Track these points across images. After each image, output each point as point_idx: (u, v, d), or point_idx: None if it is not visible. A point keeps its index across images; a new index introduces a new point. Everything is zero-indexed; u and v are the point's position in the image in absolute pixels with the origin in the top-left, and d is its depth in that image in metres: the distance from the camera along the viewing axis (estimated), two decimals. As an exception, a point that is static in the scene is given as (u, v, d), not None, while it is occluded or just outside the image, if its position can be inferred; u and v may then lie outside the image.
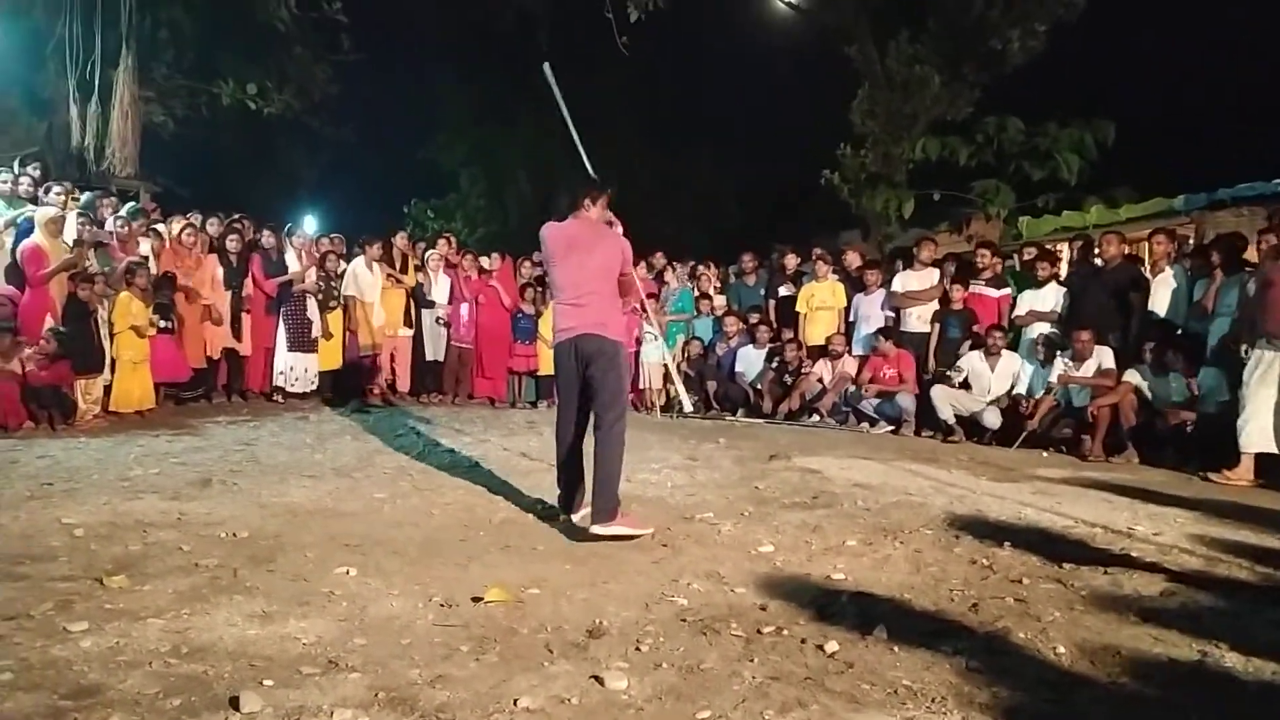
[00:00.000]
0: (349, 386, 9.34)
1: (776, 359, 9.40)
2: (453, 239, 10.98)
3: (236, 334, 8.87)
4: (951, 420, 7.87)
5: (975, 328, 8.38)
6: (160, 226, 9.05)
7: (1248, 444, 6.03)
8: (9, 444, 6.18)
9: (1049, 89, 12.91)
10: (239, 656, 2.58)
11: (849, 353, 9.03)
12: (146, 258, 8.28)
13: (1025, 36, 12.18)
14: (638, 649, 2.73)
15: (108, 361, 7.54)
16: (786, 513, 4.72)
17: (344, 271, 9.45)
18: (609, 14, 11.70)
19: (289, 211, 16.41)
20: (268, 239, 9.21)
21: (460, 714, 2.27)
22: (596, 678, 2.49)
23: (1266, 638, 2.88)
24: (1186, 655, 2.76)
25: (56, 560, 3.47)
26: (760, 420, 9.00)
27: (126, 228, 8.39)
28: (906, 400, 8.27)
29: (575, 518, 4.32)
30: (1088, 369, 7.29)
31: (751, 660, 2.67)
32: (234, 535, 3.93)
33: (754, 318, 9.90)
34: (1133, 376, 7.05)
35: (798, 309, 9.59)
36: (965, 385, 7.98)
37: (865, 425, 8.52)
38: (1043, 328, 8.03)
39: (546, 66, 5.10)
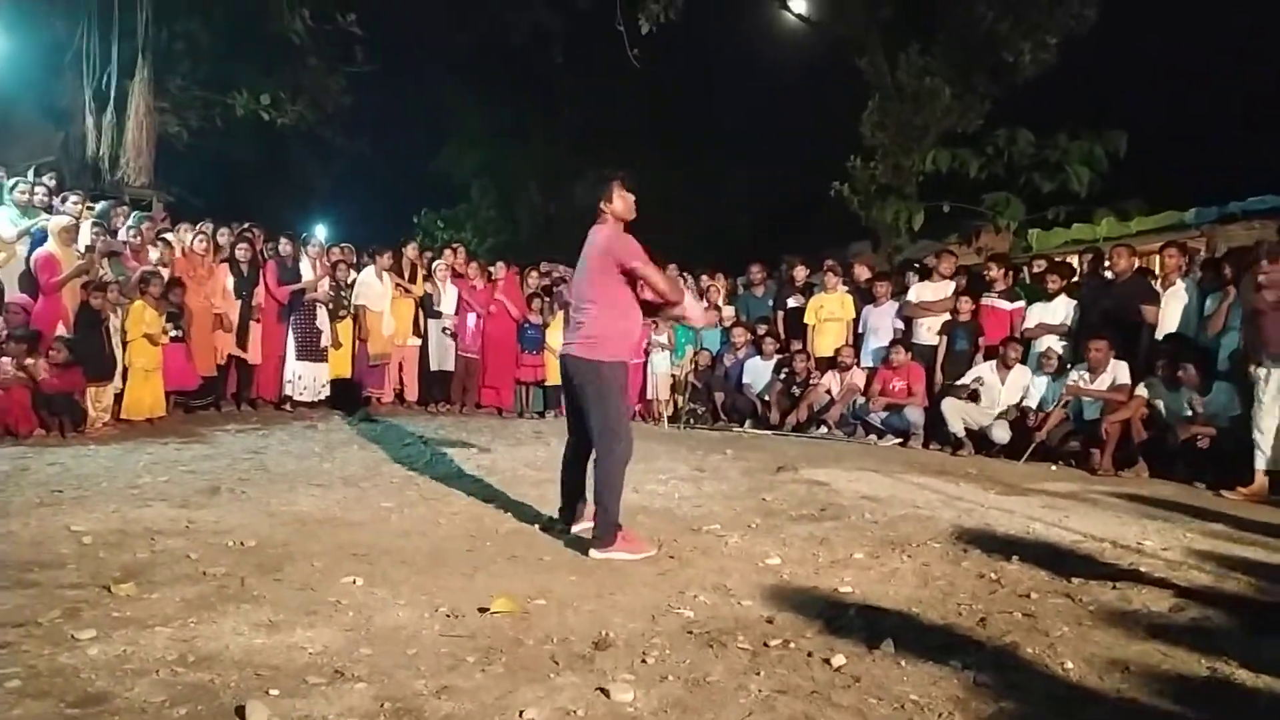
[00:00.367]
0: (354, 396, 9.38)
1: (784, 370, 9.39)
2: (460, 249, 11.02)
3: (243, 343, 8.90)
4: (961, 433, 7.84)
5: (982, 340, 8.35)
6: (170, 235, 9.12)
7: (1263, 461, 6.00)
8: (19, 451, 6.22)
9: (1059, 101, 12.91)
10: (245, 665, 2.58)
11: (857, 364, 9.01)
12: (159, 267, 8.34)
13: (1036, 49, 12.19)
14: (644, 661, 2.73)
15: (119, 369, 7.59)
16: (794, 525, 4.71)
17: (354, 281, 9.50)
18: (620, 26, 11.77)
19: (301, 221, 16.57)
20: (284, 247, 9.27)
21: (465, 725, 2.27)
22: (602, 690, 2.48)
23: (1276, 655, 2.86)
24: (1195, 671, 2.74)
25: (65, 567, 3.49)
26: (768, 431, 8.99)
27: (139, 237, 8.46)
28: (914, 413, 8.24)
29: (574, 529, 4.31)
30: (1102, 382, 7.25)
31: (758, 673, 2.66)
32: (242, 544, 3.94)
33: (761, 329, 9.89)
34: (1143, 390, 7.01)
35: (806, 320, 9.59)
36: (974, 397, 7.94)
37: (873, 437, 8.50)
38: (1052, 341, 8.00)
39: None
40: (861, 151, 13.36)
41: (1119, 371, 7.20)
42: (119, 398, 7.63)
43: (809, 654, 2.82)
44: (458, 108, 21.38)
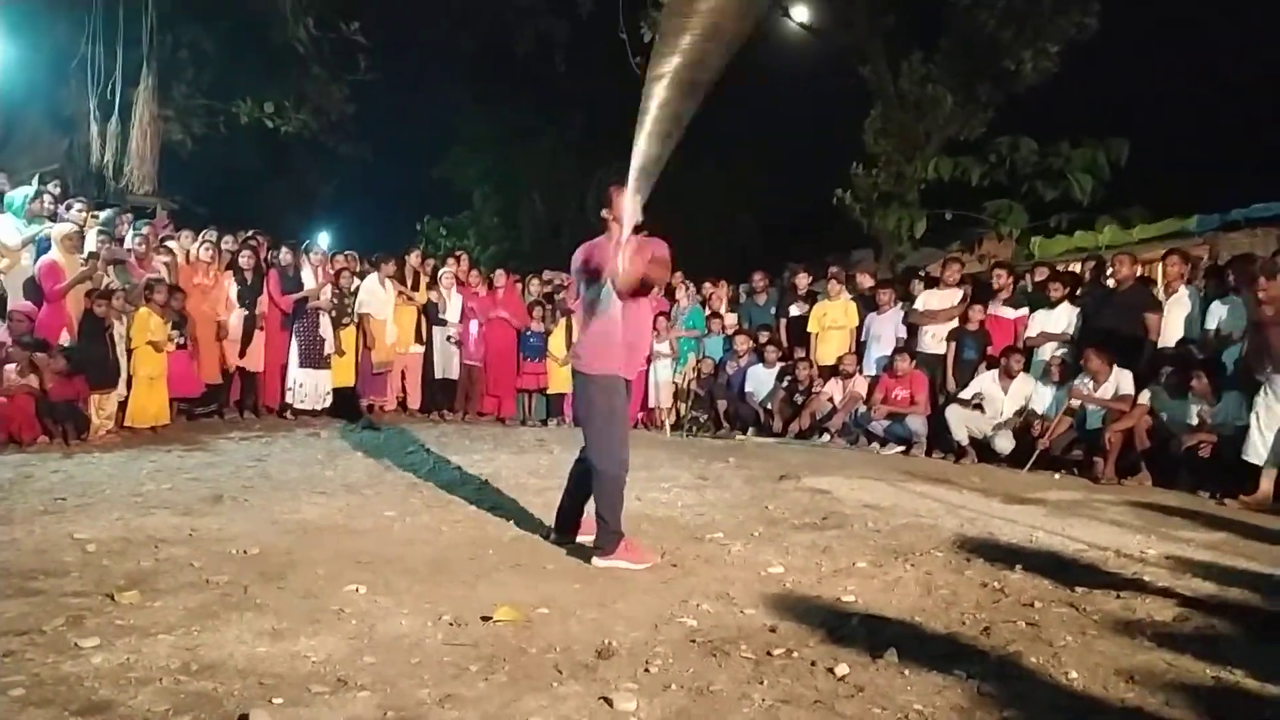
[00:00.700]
0: (357, 403, 9.39)
1: (787, 378, 9.39)
2: (464, 256, 11.05)
3: (246, 351, 8.91)
4: (965, 442, 7.82)
5: (990, 349, 8.34)
6: (172, 243, 9.15)
7: (1252, 456, 6.01)
8: (23, 458, 6.23)
9: (1062, 109, 12.92)
10: (249, 674, 2.58)
11: (860, 372, 9.00)
12: (163, 275, 8.37)
13: (1038, 56, 12.18)
14: (647, 670, 2.73)
15: (123, 377, 7.61)
16: (797, 533, 4.70)
17: (357, 288, 9.52)
18: (623, 34, 11.81)
19: (304, 228, 16.59)
20: (285, 256, 9.29)
21: (468, 734, 2.27)
22: (606, 699, 2.48)
23: (1282, 664, 2.85)
24: (1200, 680, 2.74)
25: (69, 575, 3.49)
26: (770, 440, 8.98)
27: (144, 245, 8.49)
28: (917, 422, 8.23)
29: (578, 538, 4.30)
30: (1105, 391, 7.23)
31: (761, 682, 2.65)
32: (245, 552, 3.95)
33: (764, 337, 9.89)
34: (1146, 399, 7.01)
35: (810, 328, 9.58)
36: (978, 406, 7.94)
37: (875, 445, 8.49)
38: (1056, 348, 7.98)
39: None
40: (864, 159, 13.37)
41: (1122, 380, 7.19)
42: (123, 405, 7.64)
43: (812, 663, 2.81)
44: (460, 115, 21.44)
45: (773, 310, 10.37)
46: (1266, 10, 12.63)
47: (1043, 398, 7.71)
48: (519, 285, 10.67)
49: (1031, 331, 8.26)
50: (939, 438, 8.17)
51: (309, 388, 9.12)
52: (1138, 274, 8.04)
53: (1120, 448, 6.92)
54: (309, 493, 5.37)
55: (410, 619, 3.12)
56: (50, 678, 2.50)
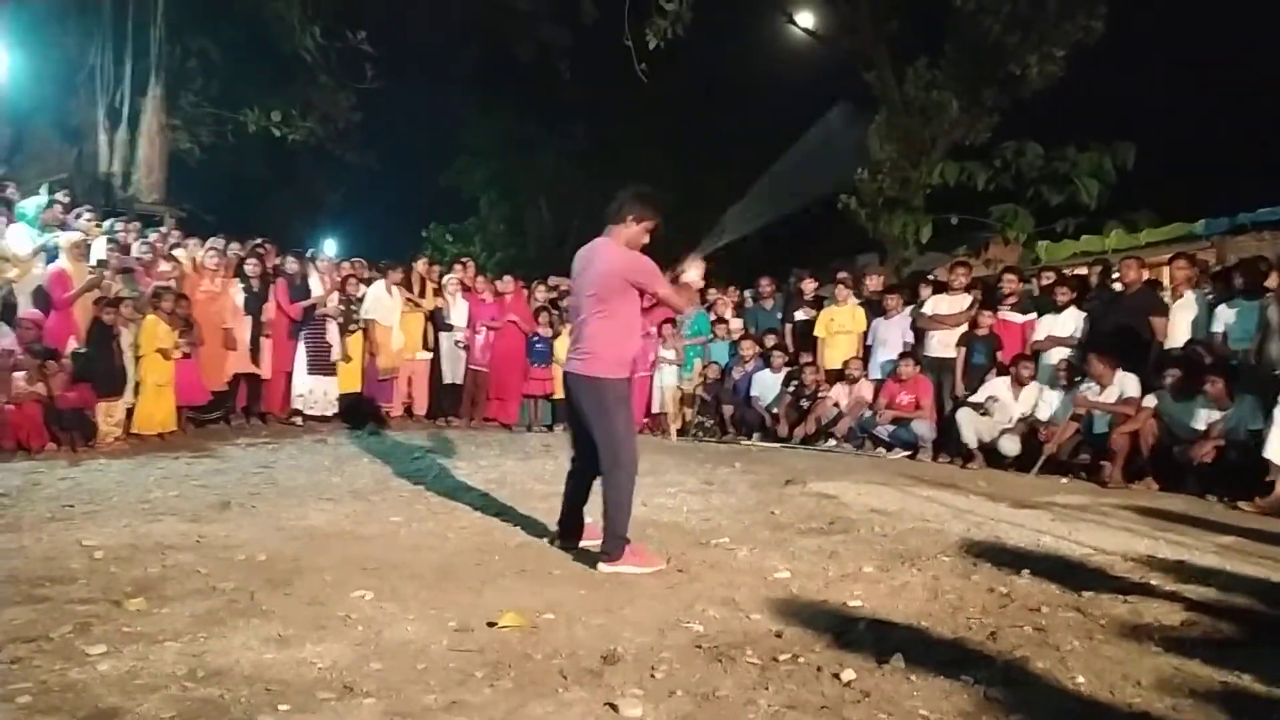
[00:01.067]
0: (364, 409, 9.41)
1: (793, 383, 9.38)
2: (470, 263, 11.08)
3: (255, 359, 8.95)
4: (975, 445, 7.80)
5: (999, 354, 8.32)
6: (180, 251, 9.20)
7: (1274, 455, 5.96)
8: (31, 465, 6.26)
9: (1067, 113, 12.90)
10: (255, 680, 2.59)
11: (866, 377, 8.99)
12: (170, 283, 8.41)
13: (1043, 61, 12.17)
14: (652, 676, 2.72)
15: (130, 384, 7.64)
16: (803, 538, 4.70)
17: (364, 295, 9.56)
18: (628, 42, 11.83)
19: (311, 236, 16.71)
20: (292, 265, 9.33)
21: (474, 740, 2.27)
22: (611, 705, 2.48)
23: (1291, 669, 2.84)
24: (1208, 685, 2.72)
25: (76, 582, 3.50)
26: (776, 445, 8.97)
27: (152, 253, 8.53)
28: (922, 426, 8.22)
29: (583, 543, 4.30)
30: (1110, 395, 7.22)
31: (767, 688, 2.65)
32: (252, 558, 3.96)
33: (770, 341, 9.89)
34: (1152, 402, 6.98)
35: (817, 333, 9.58)
36: (989, 411, 7.91)
37: (881, 450, 8.47)
38: (1063, 353, 7.97)
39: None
40: (869, 164, 13.36)
41: (1126, 384, 7.16)
42: (130, 413, 7.68)
43: (818, 668, 2.81)
44: (466, 123, 21.53)
45: (778, 315, 10.37)
46: (1272, 14, 12.60)
47: (1050, 402, 7.69)
48: (525, 291, 10.69)
49: (1039, 336, 8.23)
50: (945, 442, 8.15)
51: (317, 394, 9.16)
52: (1144, 278, 8.01)
53: (1128, 452, 6.89)
54: (316, 499, 5.39)
55: (416, 625, 3.13)
56: (57, 684, 2.51)
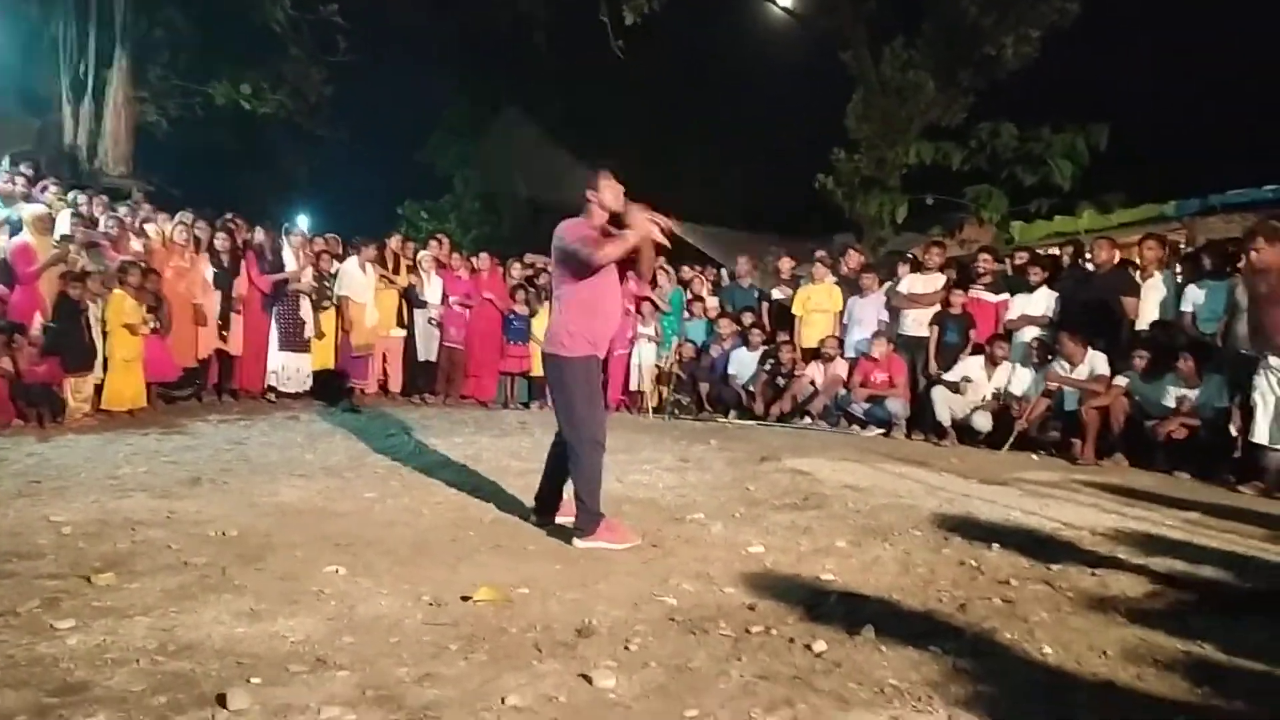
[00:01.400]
0: (337, 386, 9.33)
1: (770, 361, 9.41)
2: (445, 240, 10.98)
3: (224, 334, 8.83)
4: (948, 422, 7.89)
5: (973, 332, 8.39)
6: (149, 226, 9.04)
7: (1261, 439, 6.02)
8: (-2, 442, 6.16)
9: (1043, 94, 12.98)
10: (226, 654, 2.57)
11: (841, 355, 9.04)
12: (140, 256, 8.27)
13: (1019, 43, 12.24)
14: (626, 648, 2.74)
15: (99, 360, 7.52)
16: (777, 514, 4.73)
17: (337, 271, 9.45)
18: (604, 18, 11.74)
19: (283, 211, 16.42)
20: (263, 238, 9.19)
21: (448, 712, 2.27)
22: (585, 676, 2.49)
23: (1251, 638, 2.90)
24: (1172, 654, 2.78)
25: (44, 558, 3.46)
26: (752, 422, 9.01)
27: (119, 228, 8.38)
28: (896, 404, 8.29)
29: (558, 519, 4.31)
30: (1080, 373, 7.31)
31: (739, 659, 2.67)
32: (223, 534, 3.92)
33: (747, 319, 9.91)
34: (1123, 381, 7.08)
35: (794, 311, 9.60)
36: (961, 389, 7.99)
37: (856, 428, 8.54)
38: (1035, 331, 8.05)
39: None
40: (846, 144, 13.39)
41: (1096, 362, 7.27)
42: (99, 388, 7.56)
43: (790, 640, 2.83)
44: (442, 99, 21.29)
45: (755, 294, 10.38)
46: (1244, -1, 12.73)
47: (1022, 380, 7.78)
48: (500, 269, 10.62)
49: (1012, 315, 8.31)
50: (919, 419, 8.23)
51: (290, 371, 9.07)
52: (1116, 258, 8.10)
53: (1098, 428, 6.99)
54: (288, 475, 5.34)
55: (390, 600, 3.12)
56: (25, 659, 2.48)
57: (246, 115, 14.52)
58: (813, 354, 9.22)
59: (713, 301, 10.59)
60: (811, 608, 3.15)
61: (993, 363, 7.97)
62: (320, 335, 9.26)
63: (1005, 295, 8.53)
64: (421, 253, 10.24)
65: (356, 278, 9.41)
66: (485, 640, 2.76)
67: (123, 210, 9.16)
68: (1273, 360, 5.97)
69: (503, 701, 2.33)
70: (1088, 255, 8.44)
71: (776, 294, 10.13)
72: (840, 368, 8.94)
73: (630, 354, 9.95)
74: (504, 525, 4.39)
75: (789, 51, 16.32)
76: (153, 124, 13.75)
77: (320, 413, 8.54)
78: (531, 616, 3.00)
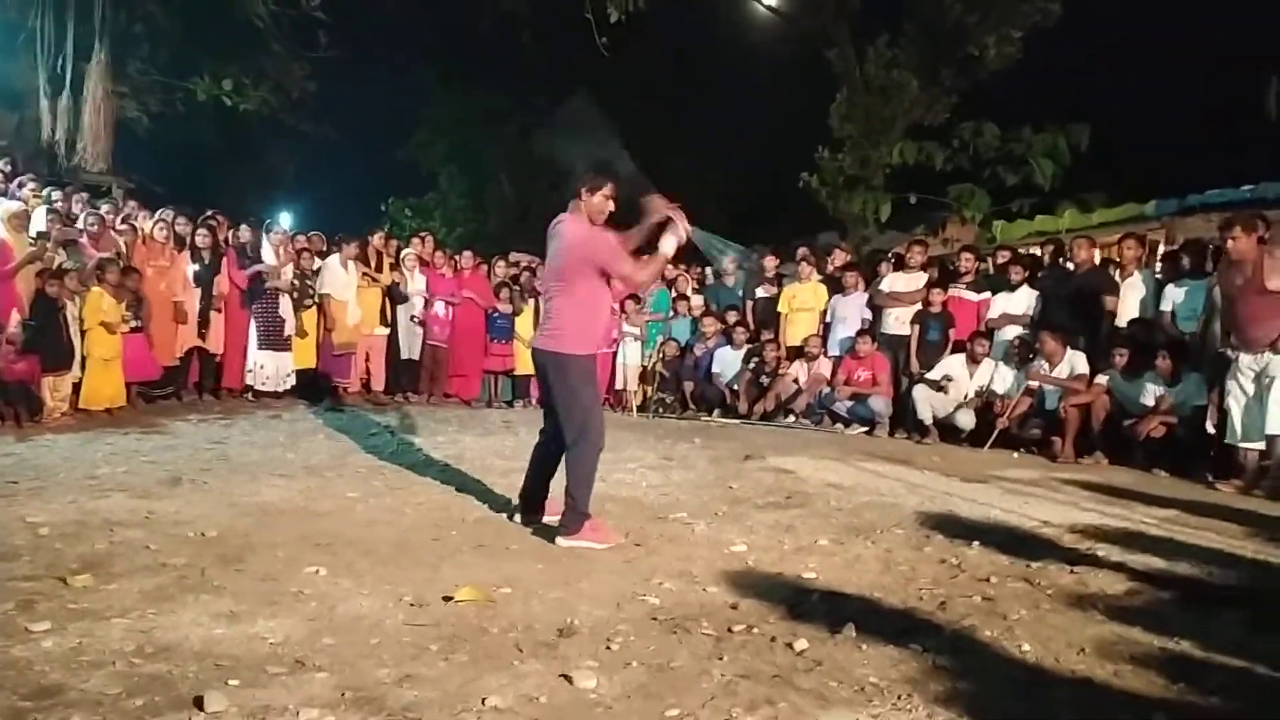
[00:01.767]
0: (320, 385, 9.28)
1: (754, 360, 9.43)
2: (429, 237, 10.93)
3: (204, 333, 8.75)
4: (930, 420, 7.93)
5: (952, 331, 8.44)
6: (133, 223, 8.94)
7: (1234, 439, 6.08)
8: (-26, 442, 6.08)
9: (1024, 94, 13.06)
10: (204, 656, 2.55)
11: (824, 354, 9.07)
12: (119, 254, 8.18)
13: (1001, 42, 12.30)
14: (608, 648, 2.74)
15: (77, 359, 7.44)
16: (760, 513, 4.74)
17: (319, 269, 9.39)
18: (589, 15, 11.71)
19: (265, 208, 16.31)
20: (244, 234, 9.12)
21: (428, 713, 2.26)
22: (566, 676, 2.49)
23: (1227, 635, 2.94)
24: (1150, 651, 2.80)
25: (20, 559, 3.42)
26: (736, 421, 9.03)
27: (98, 225, 8.29)
28: (879, 403, 8.32)
29: (544, 518, 4.30)
30: (1060, 372, 7.37)
31: (721, 658, 2.68)
32: (203, 534, 3.89)
33: (732, 318, 9.92)
34: (1103, 379, 7.13)
35: (779, 309, 9.61)
36: (944, 387, 8.02)
37: (839, 426, 8.57)
38: (1016, 330, 8.10)
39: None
40: (830, 143, 13.43)
41: (1076, 361, 7.32)
42: (77, 387, 7.48)
43: (772, 639, 2.84)
44: (426, 95, 21.19)
45: (740, 292, 10.39)
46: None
47: (1004, 378, 7.83)
48: (484, 267, 10.58)
49: (993, 314, 8.36)
50: (901, 418, 8.27)
51: (270, 369, 8.99)
52: (1096, 257, 8.16)
53: (1078, 426, 7.04)
54: (269, 475, 5.31)
55: (370, 600, 3.10)
56: (-1, 662, 2.45)
57: (228, 111, 14.38)
58: (797, 352, 9.24)
59: (697, 300, 10.60)
60: (794, 606, 3.16)
61: (974, 361, 8.02)
62: (302, 334, 9.18)
63: (987, 294, 8.57)
64: (405, 251, 10.19)
65: (338, 276, 9.35)
66: (466, 641, 2.75)
67: (105, 207, 9.05)
68: (1244, 359, 6.03)
69: (483, 702, 2.32)
70: (1068, 254, 8.49)
71: (760, 292, 10.15)
72: (824, 366, 8.97)
73: (615, 353, 9.94)
74: (487, 524, 4.37)
75: (774, 50, 16.35)
76: (133, 120, 13.60)
77: (302, 412, 8.49)
78: (513, 616, 2.99)
